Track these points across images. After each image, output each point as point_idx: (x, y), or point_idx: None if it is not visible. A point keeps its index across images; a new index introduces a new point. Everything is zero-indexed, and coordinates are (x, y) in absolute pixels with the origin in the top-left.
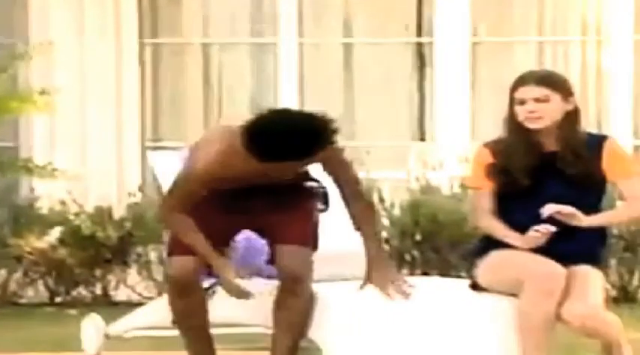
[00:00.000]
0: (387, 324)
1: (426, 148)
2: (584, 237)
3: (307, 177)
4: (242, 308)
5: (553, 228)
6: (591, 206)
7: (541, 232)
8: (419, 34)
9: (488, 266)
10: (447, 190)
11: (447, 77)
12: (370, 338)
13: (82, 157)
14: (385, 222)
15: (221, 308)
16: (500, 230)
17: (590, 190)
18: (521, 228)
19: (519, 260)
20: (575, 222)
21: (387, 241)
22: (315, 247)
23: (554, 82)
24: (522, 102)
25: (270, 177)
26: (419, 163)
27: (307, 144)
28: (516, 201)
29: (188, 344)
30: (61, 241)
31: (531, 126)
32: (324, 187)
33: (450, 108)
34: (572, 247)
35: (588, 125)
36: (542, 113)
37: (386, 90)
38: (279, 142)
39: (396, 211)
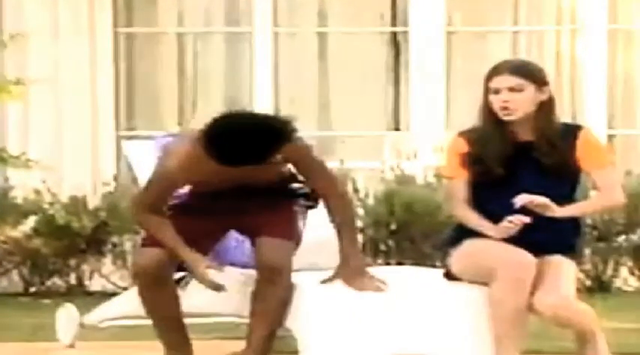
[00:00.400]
0: (361, 313)
1: (401, 138)
2: (557, 227)
3: (294, 178)
4: (216, 298)
5: (526, 219)
6: (565, 196)
7: (514, 223)
8: (394, 23)
9: (461, 255)
10: (422, 180)
11: (421, 67)
12: (344, 327)
13: (56, 147)
14: (360, 211)
15: (195, 298)
16: (474, 219)
17: (564, 180)
18: (496, 217)
19: (491, 249)
20: (548, 213)
21: (361, 231)
22: (297, 243)
23: (528, 72)
24: (497, 92)
25: (245, 179)
26: (393, 153)
27: (263, 146)
28: (491, 191)
29: (160, 334)
30: (36, 231)
31: (505, 118)
32: (307, 190)
33: (424, 97)
34: (545, 237)
35: (563, 114)
36: (515, 103)
37: (361, 80)
38: (234, 146)
39: (371, 201)
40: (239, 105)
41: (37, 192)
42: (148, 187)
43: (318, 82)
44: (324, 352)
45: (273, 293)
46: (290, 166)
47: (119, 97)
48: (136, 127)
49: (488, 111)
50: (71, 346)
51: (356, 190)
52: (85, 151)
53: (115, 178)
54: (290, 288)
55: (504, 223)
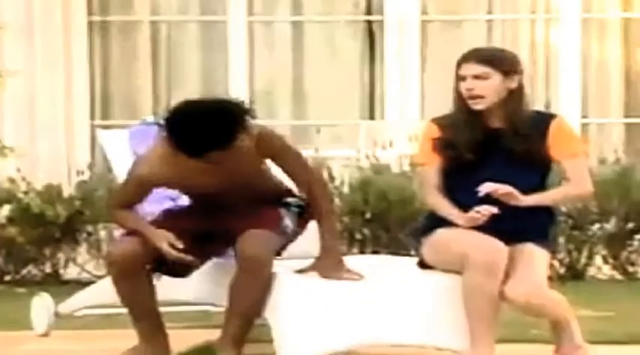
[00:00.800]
0: (337, 303)
1: (376, 126)
2: (528, 215)
3: (289, 193)
4: (191, 287)
5: (494, 210)
6: (534, 185)
7: (481, 213)
8: (368, 12)
9: (434, 244)
10: (397, 168)
11: (396, 55)
12: (320, 317)
13: (31, 136)
14: (335, 200)
15: (169, 286)
16: (444, 207)
17: (533, 169)
18: (466, 205)
19: (463, 237)
20: (513, 202)
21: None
22: (286, 237)
23: (495, 60)
24: (463, 79)
25: (230, 179)
26: (369, 141)
27: (219, 129)
28: (461, 178)
29: (135, 322)
30: (10, 219)
31: (473, 107)
32: (301, 203)
33: (399, 86)
34: (515, 226)
35: (537, 103)
36: (480, 90)
37: (335, 69)
38: (190, 132)
39: (346, 189)
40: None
41: (12, 180)
42: (122, 191)
43: (292, 70)
44: (301, 342)
45: (252, 285)
46: (274, 173)
47: (94, 86)
48: (110, 116)
49: (459, 98)
50: (46, 335)
51: (331, 179)
52: (60, 140)
53: (90, 167)
54: (270, 280)
55: (472, 213)
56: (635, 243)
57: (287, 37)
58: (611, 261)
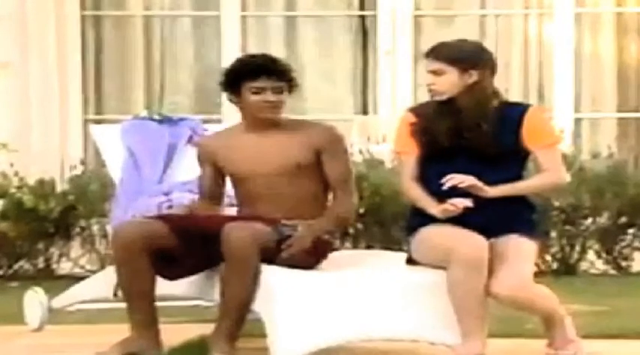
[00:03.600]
0: (327, 297)
1: (369, 122)
2: (506, 207)
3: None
4: (181, 283)
5: (469, 203)
6: (508, 176)
7: (455, 206)
8: (361, 7)
9: (419, 242)
10: (390, 163)
11: (389, 51)
12: (310, 311)
13: (24, 130)
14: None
15: (160, 282)
16: (418, 196)
17: (505, 161)
18: (441, 195)
19: (446, 234)
20: (480, 193)
21: None
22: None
23: (450, 56)
24: (427, 74)
25: (271, 159)
26: (362, 137)
27: (273, 60)
28: (436, 168)
29: (131, 312)
30: (3, 214)
31: (434, 97)
32: None
33: (392, 81)
34: (494, 217)
35: (531, 98)
36: (437, 85)
37: (329, 64)
38: (247, 59)
39: None
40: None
41: (5, 175)
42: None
43: None
44: (293, 337)
45: (238, 276)
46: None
47: (87, 81)
48: (103, 111)
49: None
50: (39, 329)
51: None
52: (53, 135)
53: (83, 162)
54: (256, 271)
55: (446, 205)
56: (628, 237)
57: (280, 32)
58: (604, 255)
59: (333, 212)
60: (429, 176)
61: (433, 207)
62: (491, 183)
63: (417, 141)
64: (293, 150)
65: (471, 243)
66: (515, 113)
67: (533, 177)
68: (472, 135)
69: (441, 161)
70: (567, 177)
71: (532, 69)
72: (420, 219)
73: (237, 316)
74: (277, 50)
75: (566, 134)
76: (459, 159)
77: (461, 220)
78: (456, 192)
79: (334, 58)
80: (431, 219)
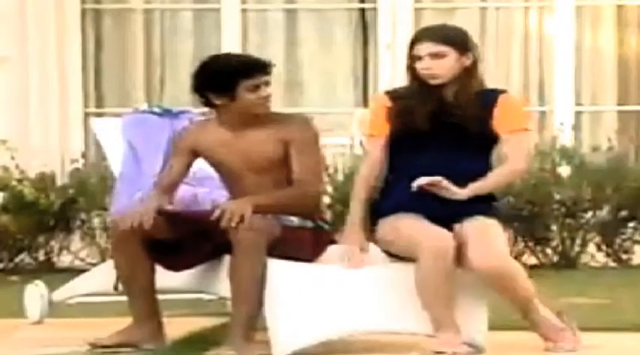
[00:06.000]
0: (323, 289)
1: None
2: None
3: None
4: (181, 275)
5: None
6: (482, 163)
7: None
8: (362, 0)
9: (386, 231)
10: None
11: (389, 43)
12: (311, 306)
13: (24, 124)
14: (329, 188)
15: (160, 274)
16: (354, 208)
17: (481, 147)
18: (415, 177)
19: (412, 227)
20: (451, 196)
21: (330, 207)
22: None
23: (449, 38)
24: (420, 59)
25: (247, 155)
26: (362, 130)
27: (245, 59)
28: (409, 154)
29: (131, 303)
30: (4, 207)
31: (430, 81)
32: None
33: (392, 74)
34: (457, 205)
35: (531, 91)
36: (438, 69)
37: (329, 57)
38: (199, 71)
39: (340, 177)
40: None
41: (5, 168)
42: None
43: (286, 58)
44: (293, 329)
45: (246, 267)
46: None
47: (87, 74)
48: (103, 104)
49: (413, 75)
50: (39, 322)
51: (325, 167)
52: (54, 128)
53: (84, 155)
54: (264, 262)
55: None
56: (629, 230)
57: (280, 25)
58: (604, 248)
59: (279, 193)
60: (402, 163)
61: (349, 236)
62: (464, 169)
63: (393, 126)
64: (263, 146)
65: (434, 236)
66: (489, 99)
67: (495, 170)
68: (456, 120)
69: (414, 146)
70: (524, 165)
71: (532, 62)
72: (389, 204)
73: (249, 308)
74: (277, 44)
75: (566, 127)
76: (433, 145)
77: (424, 208)
78: (428, 172)
79: (334, 52)
80: (399, 206)
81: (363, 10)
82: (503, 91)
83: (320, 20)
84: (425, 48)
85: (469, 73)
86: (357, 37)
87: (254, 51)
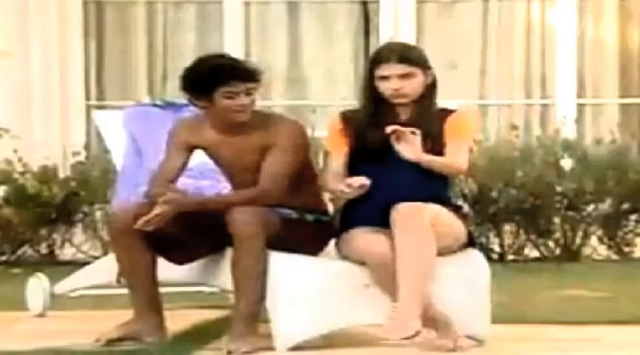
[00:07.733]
0: (325, 282)
1: None
2: (422, 185)
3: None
4: (182, 268)
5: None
6: (435, 177)
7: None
8: None
9: (344, 242)
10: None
11: (392, 37)
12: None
13: (26, 117)
14: None
15: (161, 267)
16: (333, 185)
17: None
18: (371, 193)
19: (360, 239)
20: (403, 153)
21: (331, 200)
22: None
23: (415, 58)
24: (386, 78)
25: (236, 157)
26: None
27: (230, 64)
28: (368, 167)
29: (132, 296)
30: (6, 200)
31: (397, 101)
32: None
33: None
34: (405, 195)
35: (533, 84)
36: (408, 88)
37: (331, 50)
38: (216, 63)
39: None
40: None
41: (8, 161)
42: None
43: (288, 51)
44: (295, 322)
45: (246, 258)
46: None
47: (89, 67)
48: (105, 97)
49: (371, 92)
50: (42, 315)
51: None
52: (56, 121)
53: (86, 148)
54: (264, 252)
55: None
56: (631, 223)
57: (283, 19)
58: (606, 241)
59: (245, 192)
60: (359, 175)
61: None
62: (420, 184)
63: (349, 144)
64: (243, 154)
65: (373, 242)
66: (441, 117)
67: (444, 158)
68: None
69: (373, 161)
70: (465, 165)
71: (535, 55)
72: (351, 217)
73: (253, 301)
74: (279, 37)
75: (568, 120)
76: (391, 160)
77: (385, 220)
78: (382, 187)
79: (336, 45)
80: (359, 220)
81: (365, 4)
82: (452, 111)
83: (322, 13)
84: (394, 69)
85: (430, 90)
86: (360, 30)
87: (256, 44)
